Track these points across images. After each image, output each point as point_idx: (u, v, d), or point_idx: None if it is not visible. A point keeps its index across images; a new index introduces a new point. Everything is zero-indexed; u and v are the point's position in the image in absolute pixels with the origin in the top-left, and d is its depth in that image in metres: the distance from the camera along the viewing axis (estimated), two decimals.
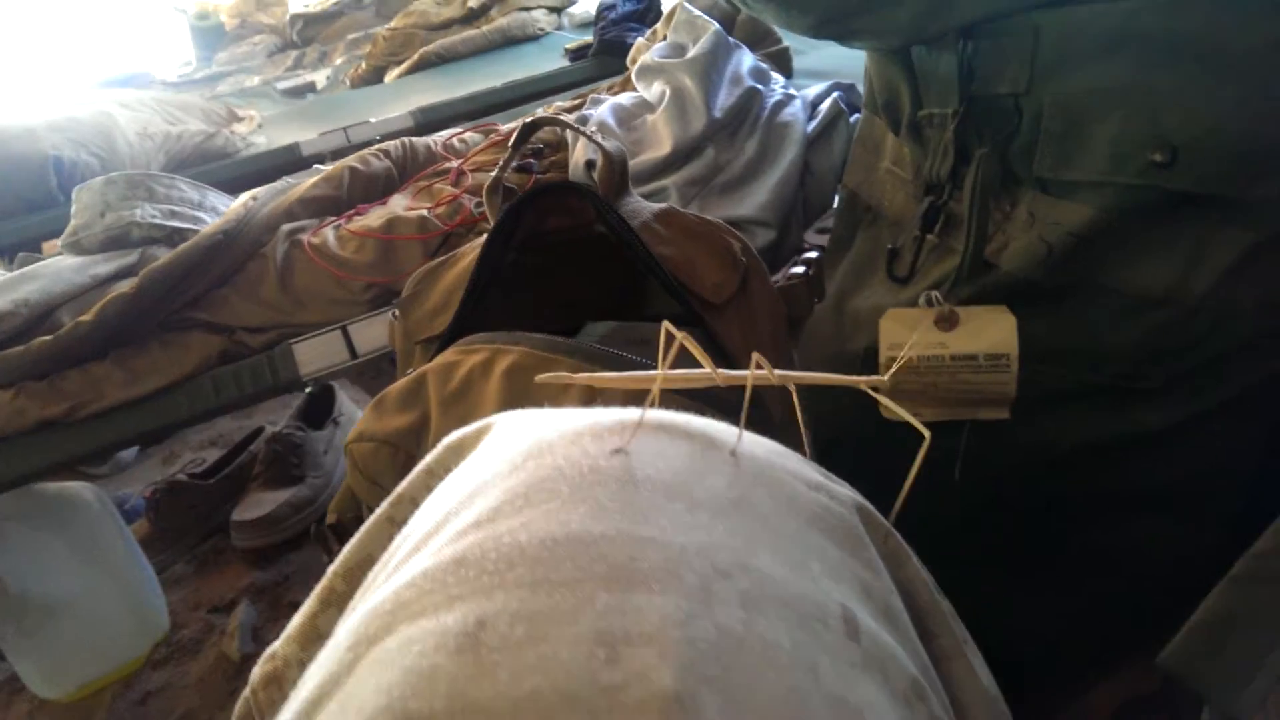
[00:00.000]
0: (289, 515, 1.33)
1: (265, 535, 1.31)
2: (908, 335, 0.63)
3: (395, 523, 0.32)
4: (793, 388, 0.35)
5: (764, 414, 0.61)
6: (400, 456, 0.58)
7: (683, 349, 0.34)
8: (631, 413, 0.31)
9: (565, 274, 0.69)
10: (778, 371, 0.34)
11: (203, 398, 0.83)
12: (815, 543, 0.26)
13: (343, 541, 0.64)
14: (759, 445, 0.31)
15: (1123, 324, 0.59)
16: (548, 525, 0.24)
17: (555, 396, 0.51)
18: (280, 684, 0.31)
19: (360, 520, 0.63)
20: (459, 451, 0.32)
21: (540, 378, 0.36)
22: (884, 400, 0.35)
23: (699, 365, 0.35)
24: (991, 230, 0.62)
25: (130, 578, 1.19)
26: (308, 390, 1.44)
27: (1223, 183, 0.54)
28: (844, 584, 0.25)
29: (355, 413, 1.55)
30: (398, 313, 0.71)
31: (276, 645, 0.32)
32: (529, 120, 0.70)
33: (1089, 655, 0.70)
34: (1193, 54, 0.53)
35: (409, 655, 0.22)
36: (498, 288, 0.66)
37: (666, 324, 0.34)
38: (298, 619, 0.32)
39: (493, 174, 0.69)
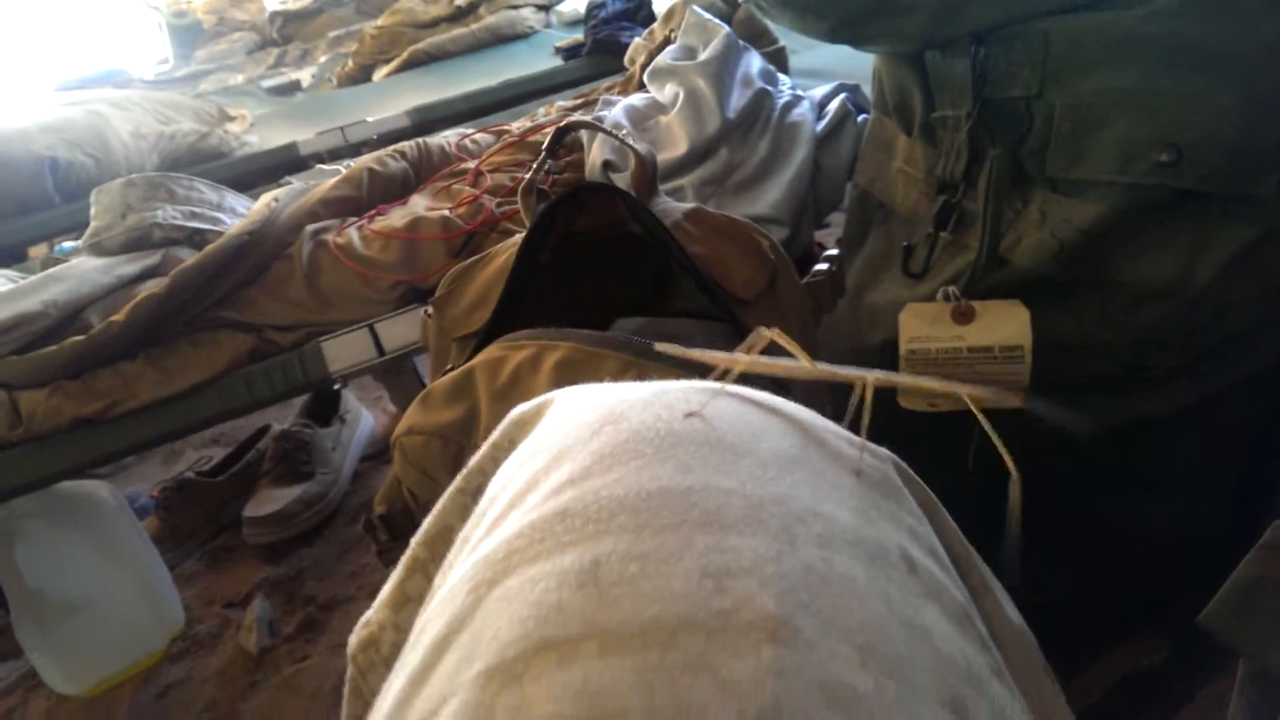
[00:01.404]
0: (301, 511, 1.35)
1: (278, 531, 1.33)
2: (926, 329, 0.67)
3: (467, 493, 0.35)
4: (868, 391, 0.38)
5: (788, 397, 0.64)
6: (451, 448, 0.60)
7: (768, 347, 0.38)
8: (697, 384, 0.34)
9: (595, 272, 0.72)
10: (876, 372, 0.37)
11: (235, 395, 0.85)
12: (867, 493, 0.30)
13: (391, 532, 0.67)
14: (805, 413, 0.34)
15: (1129, 316, 0.63)
16: (640, 480, 0.27)
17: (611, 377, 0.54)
18: (377, 647, 0.33)
19: (408, 511, 0.66)
20: (523, 426, 0.35)
21: (661, 347, 0.39)
22: (980, 416, 0.36)
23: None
24: (1005, 228, 0.66)
25: (146, 573, 1.20)
26: (336, 388, 1.46)
27: (1224, 181, 0.58)
28: (897, 528, 0.29)
29: (360, 410, 1.57)
30: (431, 310, 0.73)
31: (370, 613, 0.34)
32: (562, 124, 0.73)
33: (1097, 629, 0.74)
34: (1196, 58, 0.56)
35: (535, 591, 0.24)
36: (532, 285, 0.69)
37: (761, 329, 0.37)
38: (387, 587, 0.34)
39: (527, 176, 0.72)
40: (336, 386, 1.49)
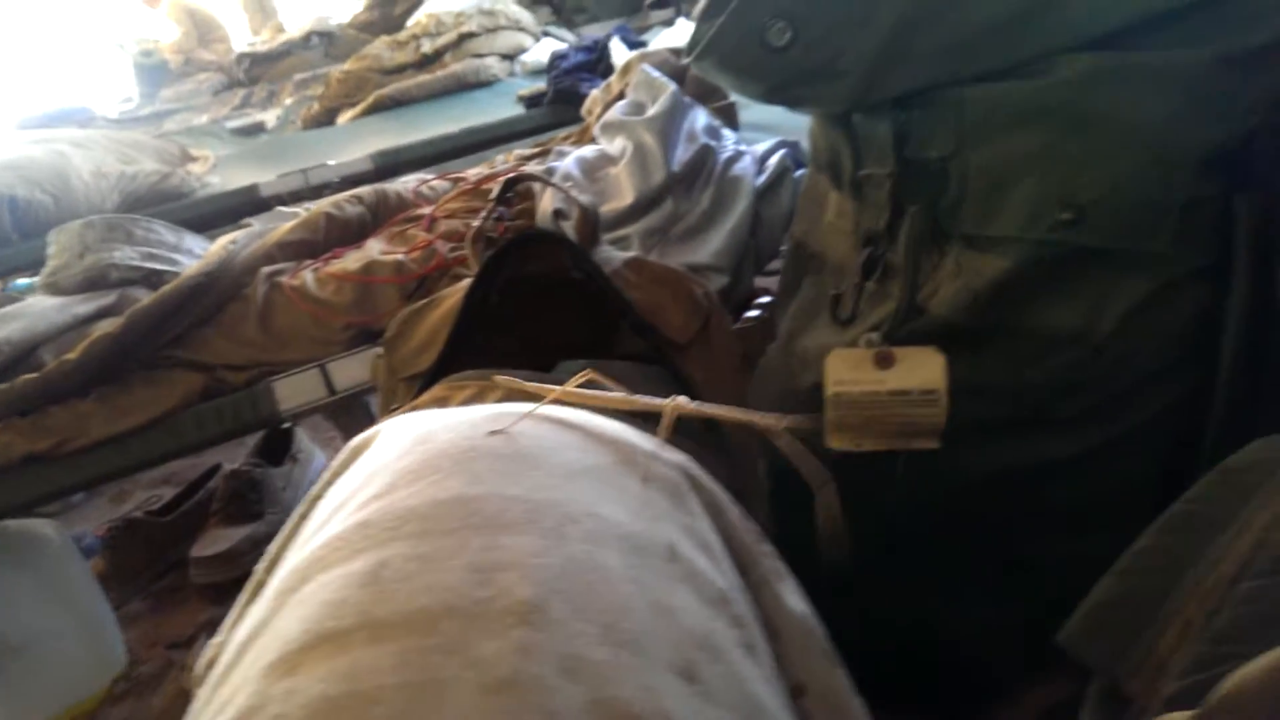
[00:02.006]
0: (249, 550, 1.34)
1: (225, 571, 1.32)
2: (850, 373, 0.70)
3: (306, 518, 0.38)
4: (667, 416, 0.42)
5: (723, 440, 0.67)
6: None
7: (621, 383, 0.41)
8: (510, 407, 0.39)
9: (541, 316, 0.75)
10: (684, 401, 0.41)
11: (184, 433, 0.86)
12: (648, 496, 0.34)
13: None
14: (608, 426, 0.39)
15: (1038, 362, 0.67)
16: (433, 492, 0.31)
17: None
18: (216, 665, 0.36)
19: None
20: (357, 452, 0.39)
21: (502, 380, 0.42)
22: (780, 443, 0.41)
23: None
24: (923, 279, 0.70)
25: (89, 613, 1.19)
26: (285, 427, 1.46)
27: (1122, 238, 0.62)
28: (670, 525, 0.33)
29: (313, 450, 1.57)
30: (382, 351, 0.76)
31: (216, 635, 0.37)
32: (510, 175, 0.76)
33: (1018, 664, 0.77)
34: (1096, 126, 0.61)
35: (324, 592, 0.28)
36: (479, 328, 0.72)
37: (588, 368, 0.41)
38: (232, 611, 0.37)
39: (476, 224, 0.75)
40: (286, 425, 1.50)
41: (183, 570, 1.39)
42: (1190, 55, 0.58)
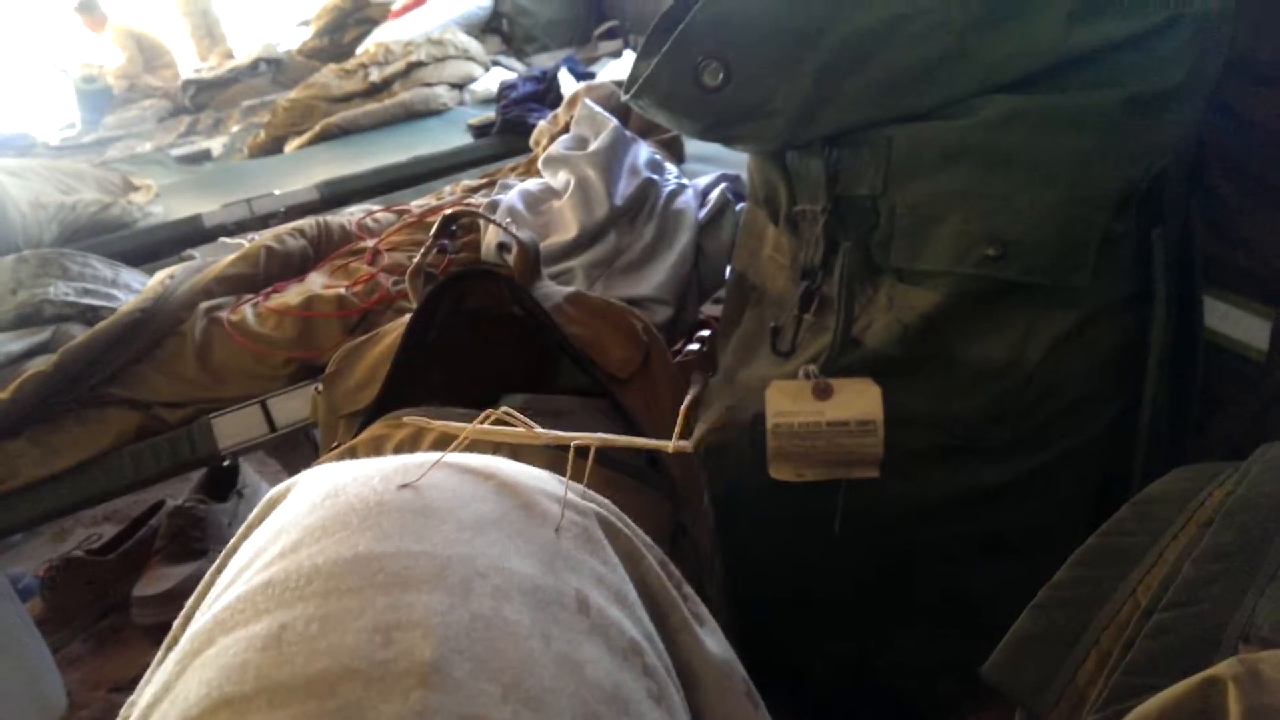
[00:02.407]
0: (191, 590, 1.30)
1: (168, 610, 1.29)
2: (790, 404, 0.71)
3: (220, 571, 0.38)
4: (571, 450, 0.42)
5: (666, 474, 0.68)
6: None
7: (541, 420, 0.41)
8: (421, 457, 0.38)
9: (483, 350, 0.75)
10: (594, 435, 0.42)
11: (121, 473, 0.85)
12: (560, 547, 0.34)
13: None
14: (522, 473, 0.39)
15: (969, 392, 0.68)
16: (339, 549, 0.31)
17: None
18: None
19: None
20: (272, 504, 0.39)
21: (409, 417, 0.42)
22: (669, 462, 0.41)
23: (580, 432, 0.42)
24: (857, 312, 0.71)
25: (26, 657, 1.15)
26: (225, 464, 1.44)
27: (1045, 273, 0.64)
28: (581, 575, 0.33)
29: (259, 485, 1.55)
30: (321, 388, 0.75)
31: (133, 695, 0.36)
32: (448, 213, 0.77)
33: (961, 689, 0.78)
34: (1016, 164, 0.63)
35: (225, 656, 0.28)
36: (420, 363, 0.72)
37: (506, 405, 0.41)
38: (149, 671, 0.36)
39: (415, 259, 0.75)
40: (226, 463, 1.47)
41: (125, 610, 1.35)
42: (1104, 96, 0.61)
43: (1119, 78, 0.61)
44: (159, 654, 0.36)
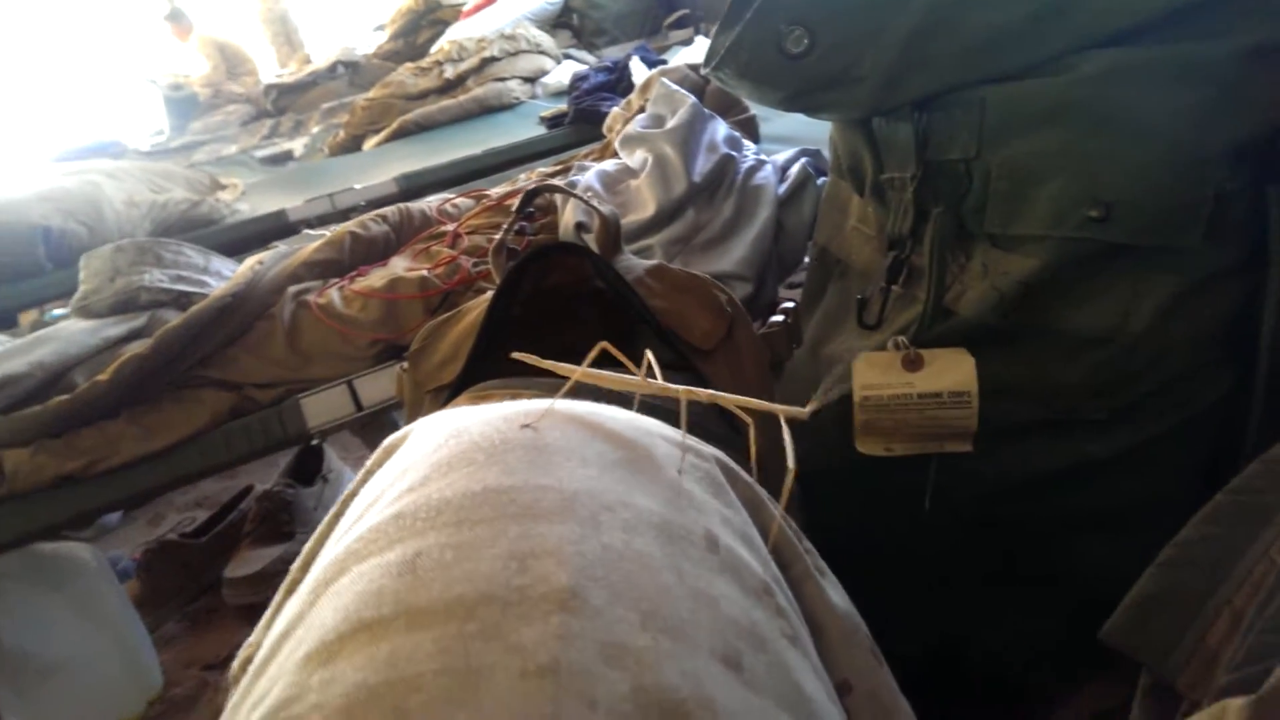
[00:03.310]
0: (281, 571, 1.34)
1: (258, 591, 1.33)
2: (879, 377, 0.69)
3: (340, 515, 0.38)
4: (784, 424, 0.41)
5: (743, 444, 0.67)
6: None
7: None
8: (537, 403, 0.38)
9: (564, 327, 0.75)
10: (705, 390, 0.41)
11: (215, 452, 0.87)
12: (684, 487, 0.34)
13: None
14: (638, 419, 0.38)
15: (1069, 362, 0.66)
16: (468, 483, 0.31)
17: None
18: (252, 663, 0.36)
19: None
20: (390, 450, 0.39)
21: (518, 355, 0.44)
22: (786, 434, 0.39)
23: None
24: (949, 280, 0.69)
25: (124, 635, 1.20)
26: (313, 442, 1.48)
27: (1152, 234, 0.61)
28: (707, 515, 0.33)
29: (344, 469, 1.58)
30: (407, 365, 0.76)
31: (252, 636, 0.37)
32: (531, 188, 0.77)
33: (1056, 671, 0.75)
34: (1119, 121, 0.60)
35: (360, 583, 0.28)
36: (503, 340, 0.72)
37: (603, 344, 0.41)
38: (267, 612, 0.37)
39: (498, 236, 0.75)
40: (315, 442, 1.51)
41: (217, 592, 1.40)
42: (1213, 48, 0.58)
43: (1231, 27, 0.58)
44: (277, 598, 0.36)
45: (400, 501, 0.31)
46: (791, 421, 0.39)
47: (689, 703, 0.24)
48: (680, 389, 0.40)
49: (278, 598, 0.37)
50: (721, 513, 0.34)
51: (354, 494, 0.38)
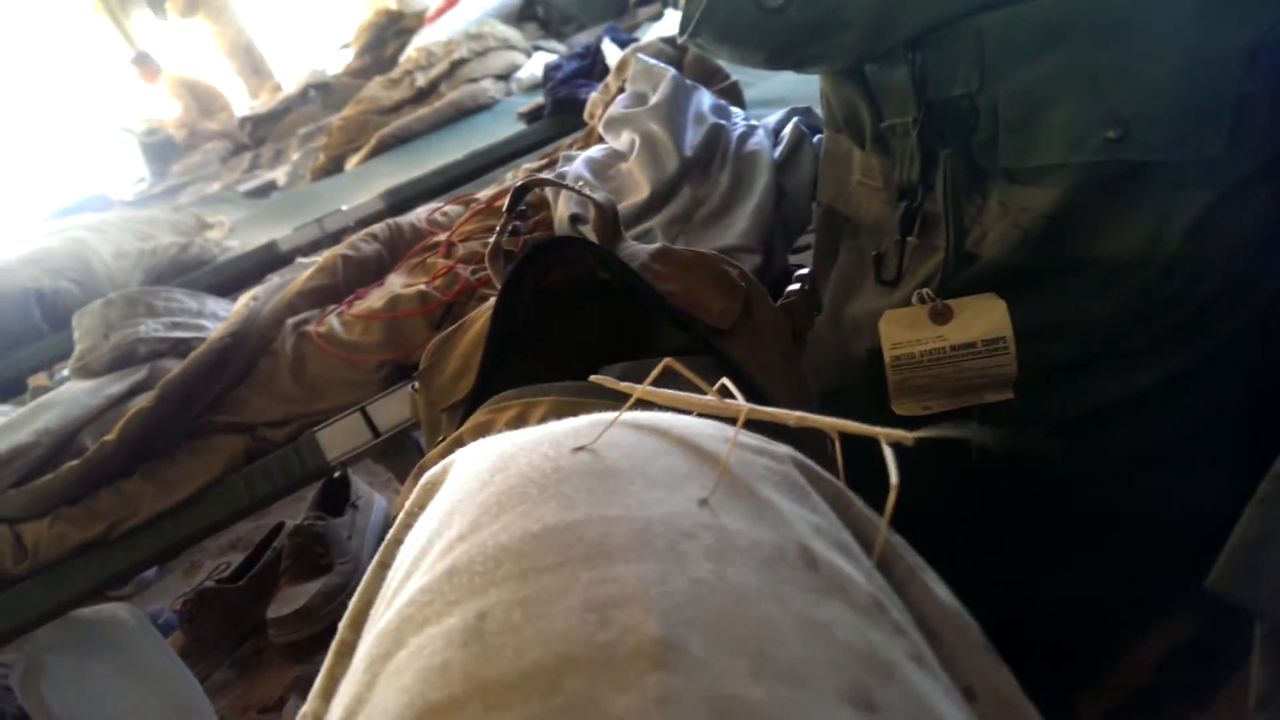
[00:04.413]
0: (324, 605, 1.34)
1: (304, 628, 1.31)
2: (907, 333, 0.67)
3: (387, 566, 0.34)
4: (834, 434, 0.37)
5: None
6: None
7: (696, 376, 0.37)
8: (589, 419, 0.34)
9: (575, 326, 0.72)
10: (796, 413, 0.36)
11: (236, 497, 0.85)
12: (766, 496, 0.30)
13: None
14: (697, 424, 0.34)
15: (1103, 293, 0.63)
16: (525, 524, 0.27)
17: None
18: None
19: None
20: (431, 490, 0.35)
21: (595, 378, 0.38)
22: (889, 454, 0.34)
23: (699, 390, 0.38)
24: (968, 224, 0.66)
25: (176, 690, 1.19)
26: (335, 475, 1.46)
27: (1173, 148, 0.58)
28: (797, 526, 0.29)
29: (372, 495, 1.56)
30: (418, 385, 0.74)
31: (306, 705, 0.33)
32: (519, 185, 0.74)
33: (1125, 614, 0.73)
34: (1125, 32, 0.57)
35: (420, 658, 0.24)
36: (512, 346, 0.69)
37: (667, 360, 0.37)
38: (320, 676, 0.34)
39: (491, 240, 0.73)
40: (337, 474, 1.49)
41: (262, 633, 1.39)
42: None
43: None
44: (329, 658, 0.33)
45: (452, 553, 0.28)
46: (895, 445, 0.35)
47: None
48: (744, 406, 0.36)
49: (329, 661, 0.34)
50: (810, 520, 0.30)
51: (397, 540, 0.35)
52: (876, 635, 0.26)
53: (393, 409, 0.87)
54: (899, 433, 0.34)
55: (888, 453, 0.33)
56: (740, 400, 0.37)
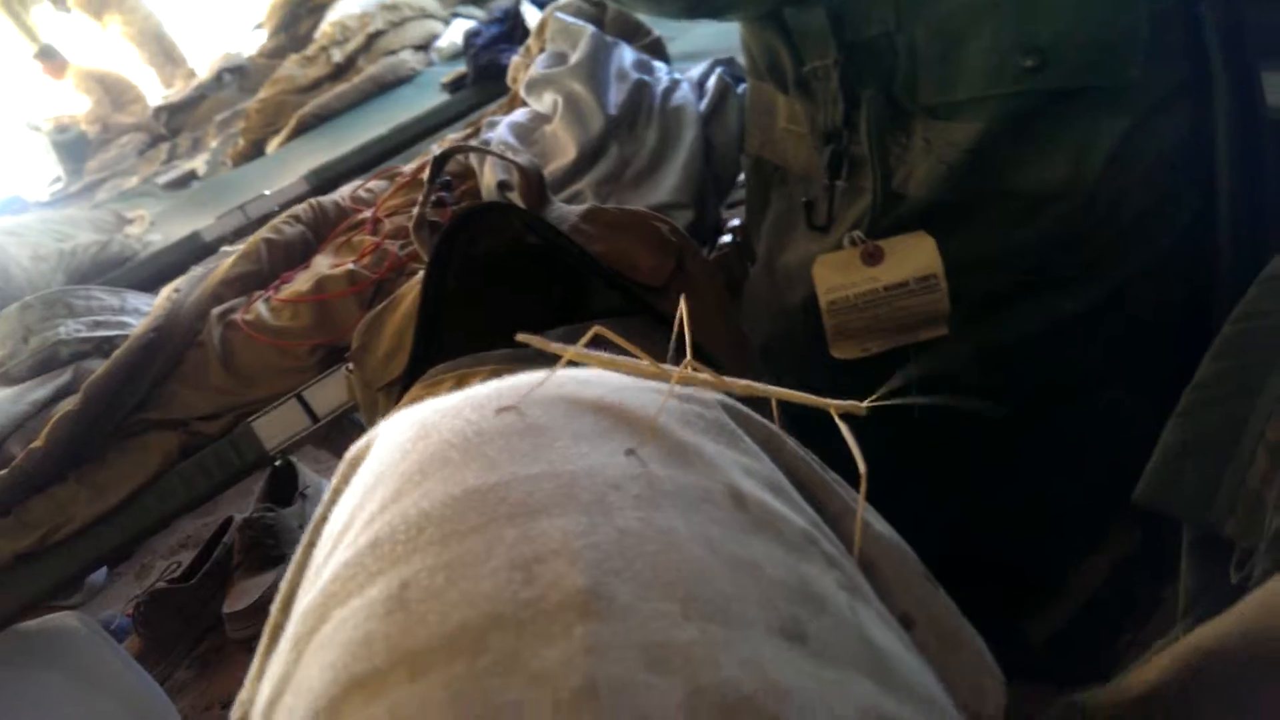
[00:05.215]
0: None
1: (260, 621, 1.29)
2: (840, 277, 0.67)
3: (314, 545, 0.33)
4: (837, 419, 0.36)
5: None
6: None
7: (630, 341, 0.37)
8: (511, 380, 0.33)
9: (506, 295, 0.71)
10: (741, 381, 0.36)
11: (174, 495, 0.83)
12: (692, 441, 0.30)
13: None
14: (619, 379, 0.34)
15: (1029, 223, 0.63)
16: (446, 488, 0.27)
17: None
18: None
19: None
20: (355, 463, 0.34)
21: (521, 336, 0.38)
22: (844, 428, 0.34)
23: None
24: (894, 164, 0.66)
25: (135, 695, 1.16)
26: (275, 464, 1.43)
27: (1090, 73, 0.59)
28: (725, 469, 0.29)
29: (320, 482, 1.54)
30: (351, 366, 0.72)
31: (241, 693, 0.33)
32: (438, 154, 0.72)
33: (1069, 537, 0.74)
34: None
35: (344, 631, 0.24)
36: (445, 319, 0.68)
37: (595, 326, 0.36)
38: (254, 661, 0.33)
39: (414, 212, 0.71)
40: (279, 463, 1.46)
41: (219, 630, 1.37)
42: None
43: None
44: (262, 643, 0.32)
45: (374, 525, 0.27)
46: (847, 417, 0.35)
47: (757, 695, 0.21)
48: (676, 371, 0.35)
49: (263, 643, 0.33)
50: (739, 462, 0.30)
51: (324, 518, 0.34)
52: (809, 569, 0.26)
53: (330, 393, 0.85)
54: (850, 404, 0.35)
55: (844, 429, 0.33)
56: (688, 357, 0.36)
